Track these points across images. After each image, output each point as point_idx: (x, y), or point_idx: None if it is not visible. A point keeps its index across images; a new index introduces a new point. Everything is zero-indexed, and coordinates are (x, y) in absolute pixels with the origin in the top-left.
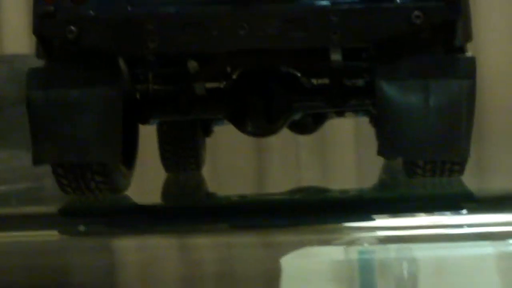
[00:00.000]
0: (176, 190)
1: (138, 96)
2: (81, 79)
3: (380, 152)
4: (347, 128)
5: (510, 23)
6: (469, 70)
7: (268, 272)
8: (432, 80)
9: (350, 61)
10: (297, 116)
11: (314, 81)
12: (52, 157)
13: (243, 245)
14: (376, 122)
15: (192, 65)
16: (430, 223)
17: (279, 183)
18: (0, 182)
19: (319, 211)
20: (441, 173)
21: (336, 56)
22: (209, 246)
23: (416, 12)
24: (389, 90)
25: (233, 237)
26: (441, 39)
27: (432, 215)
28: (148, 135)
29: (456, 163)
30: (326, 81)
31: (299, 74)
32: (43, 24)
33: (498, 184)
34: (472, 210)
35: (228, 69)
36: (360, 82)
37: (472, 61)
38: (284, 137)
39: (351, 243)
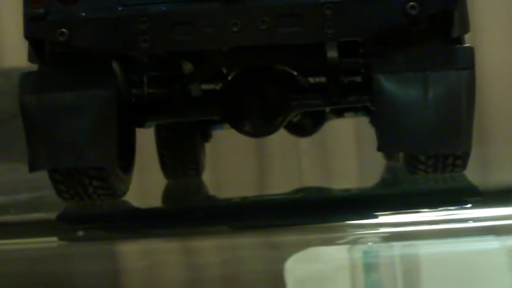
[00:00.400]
0: (176, 194)
1: (133, 99)
2: (74, 82)
3: (380, 147)
4: (347, 132)
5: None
6: (467, 60)
7: (273, 273)
8: (430, 72)
9: (346, 57)
10: (295, 116)
11: (310, 79)
12: (48, 163)
13: (246, 246)
14: (375, 119)
15: (187, 66)
16: (435, 219)
17: (280, 187)
18: (1, 193)
19: (322, 209)
20: (443, 168)
21: (332, 53)
22: (211, 248)
23: (411, 3)
24: (387, 83)
25: (236, 239)
26: (437, 30)
27: (437, 210)
28: (148, 141)
29: (459, 157)
30: (322, 79)
31: (295, 73)
32: (34, 27)
33: (502, 178)
34: (477, 204)
35: (224, 70)
36: (357, 78)
37: (470, 51)
38: (284, 142)
39: (355, 241)
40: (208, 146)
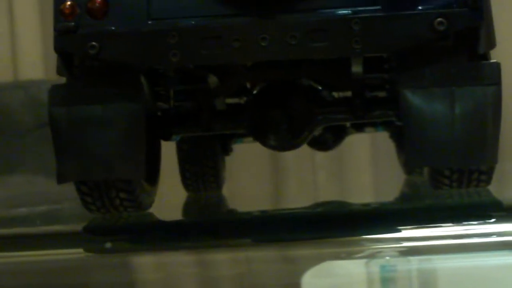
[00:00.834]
0: (197, 207)
1: (159, 113)
2: (103, 95)
3: (407, 162)
4: (363, 146)
5: None
6: (493, 76)
7: (290, 287)
8: (456, 88)
9: (371, 73)
10: (318, 131)
11: (335, 94)
12: (76, 175)
13: (264, 260)
14: (399, 134)
15: (213, 80)
16: (457, 233)
17: (296, 201)
18: (20, 205)
19: (343, 223)
20: (468, 183)
21: (357, 68)
22: (231, 261)
23: (439, 19)
24: (414, 99)
25: (254, 252)
26: (464, 46)
27: (460, 224)
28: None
29: (483, 172)
30: (346, 93)
31: (320, 87)
32: (64, 41)
33: None
34: (501, 219)
35: (248, 84)
36: (381, 93)
37: (496, 67)
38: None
39: (375, 255)
40: None
